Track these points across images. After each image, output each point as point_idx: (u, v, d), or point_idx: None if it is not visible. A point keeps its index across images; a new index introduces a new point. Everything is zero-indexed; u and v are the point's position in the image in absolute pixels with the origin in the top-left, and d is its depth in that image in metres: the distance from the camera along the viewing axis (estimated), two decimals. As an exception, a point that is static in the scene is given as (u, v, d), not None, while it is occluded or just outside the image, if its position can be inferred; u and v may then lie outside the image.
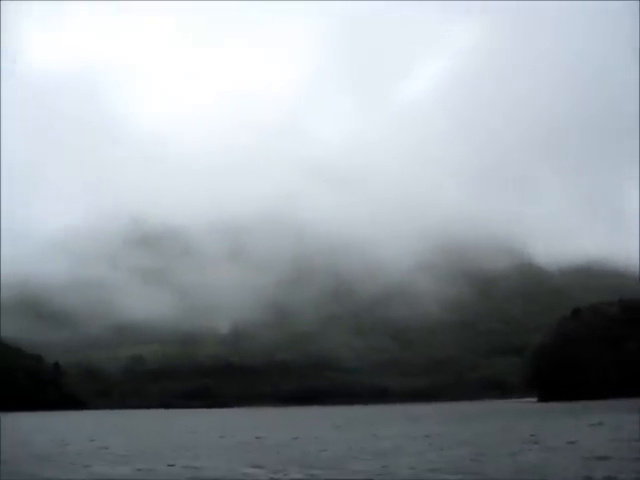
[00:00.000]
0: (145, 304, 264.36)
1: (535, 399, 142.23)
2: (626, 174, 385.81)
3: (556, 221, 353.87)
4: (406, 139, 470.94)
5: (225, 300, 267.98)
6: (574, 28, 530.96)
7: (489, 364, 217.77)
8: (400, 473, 22.09)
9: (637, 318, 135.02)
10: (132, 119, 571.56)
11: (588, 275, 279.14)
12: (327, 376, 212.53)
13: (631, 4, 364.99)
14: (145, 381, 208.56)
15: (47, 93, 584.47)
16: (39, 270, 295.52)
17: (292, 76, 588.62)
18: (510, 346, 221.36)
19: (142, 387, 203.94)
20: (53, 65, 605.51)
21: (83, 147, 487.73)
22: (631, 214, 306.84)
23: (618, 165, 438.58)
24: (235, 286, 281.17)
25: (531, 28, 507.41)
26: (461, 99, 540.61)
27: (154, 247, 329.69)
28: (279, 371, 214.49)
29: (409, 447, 32.81)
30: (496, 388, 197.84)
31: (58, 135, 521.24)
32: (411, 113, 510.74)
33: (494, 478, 20.64)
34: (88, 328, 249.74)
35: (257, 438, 42.61)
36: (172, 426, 73.31)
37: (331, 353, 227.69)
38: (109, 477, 23.34)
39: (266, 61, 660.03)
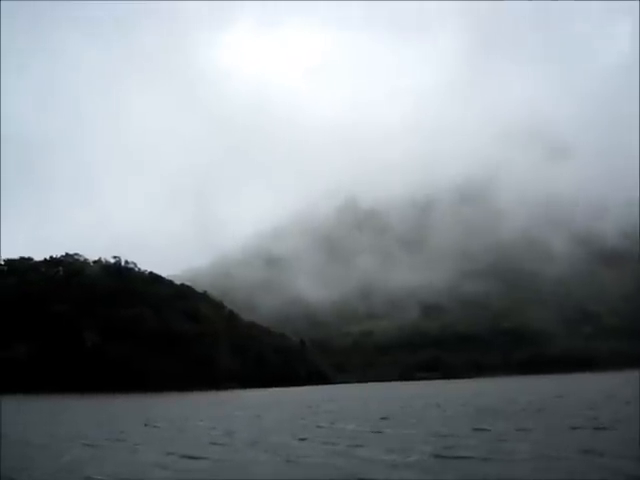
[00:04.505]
0: (330, 284, 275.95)
1: None
2: None
3: None
4: (610, 104, 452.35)
5: (415, 279, 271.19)
6: None
7: None
8: None
9: None
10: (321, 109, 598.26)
11: None
12: (553, 344, 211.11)
13: None
14: (376, 355, 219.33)
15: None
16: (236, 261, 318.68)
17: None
18: None
19: (374, 360, 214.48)
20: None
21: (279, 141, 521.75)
22: None
23: None
24: (424, 266, 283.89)
25: None
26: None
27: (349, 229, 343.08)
28: (504, 341, 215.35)
29: None
30: None
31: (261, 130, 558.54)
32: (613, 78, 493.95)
33: None
34: (274, 309, 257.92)
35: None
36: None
37: (555, 320, 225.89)
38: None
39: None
